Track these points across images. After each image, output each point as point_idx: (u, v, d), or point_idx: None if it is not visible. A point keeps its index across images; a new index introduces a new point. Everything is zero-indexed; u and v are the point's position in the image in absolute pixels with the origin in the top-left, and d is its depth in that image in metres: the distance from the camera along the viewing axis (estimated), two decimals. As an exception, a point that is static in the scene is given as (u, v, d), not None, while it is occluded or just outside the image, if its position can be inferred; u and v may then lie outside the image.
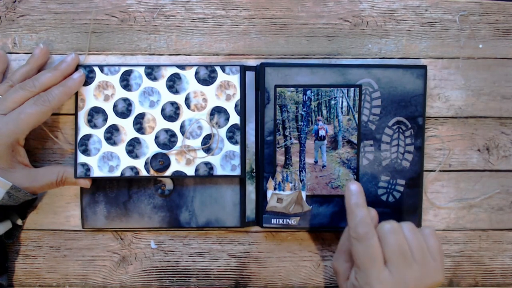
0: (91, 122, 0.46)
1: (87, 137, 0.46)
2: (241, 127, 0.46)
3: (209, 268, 0.50)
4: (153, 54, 0.49)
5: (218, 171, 0.46)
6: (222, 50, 0.49)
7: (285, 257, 0.50)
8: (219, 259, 0.50)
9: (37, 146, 0.48)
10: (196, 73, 0.46)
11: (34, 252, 0.49)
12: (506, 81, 0.50)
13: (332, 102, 0.47)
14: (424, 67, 0.48)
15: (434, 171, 0.49)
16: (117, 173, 0.46)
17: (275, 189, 0.47)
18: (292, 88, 0.47)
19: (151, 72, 0.46)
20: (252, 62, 0.49)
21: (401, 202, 0.48)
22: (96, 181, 0.47)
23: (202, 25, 0.49)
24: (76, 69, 0.46)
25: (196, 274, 0.50)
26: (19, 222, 0.46)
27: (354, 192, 0.41)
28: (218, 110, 0.46)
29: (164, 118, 0.46)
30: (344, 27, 0.49)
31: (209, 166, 0.46)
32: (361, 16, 0.49)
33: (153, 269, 0.49)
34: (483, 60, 0.50)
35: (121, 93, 0.46)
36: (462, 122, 0.50)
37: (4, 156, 0.42)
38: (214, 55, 0.49)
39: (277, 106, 0.47)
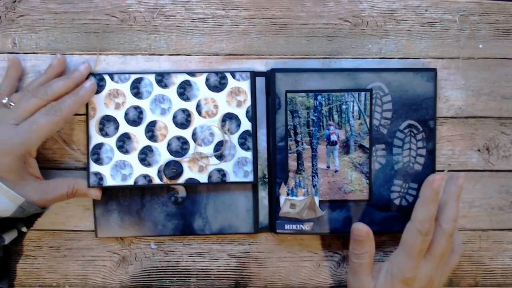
0: (102, 131, 0.46)
1: (99, 146, 0.46)
2: (253, 133, 0.46)
3: (209, 268, 0.50)
4: (153, 54, 0.49)
5: (231, 177, 0.46)
6: (222, 50, 0.49)
7: (285, 257, 0.50)
8: (219, 259, 0.50)
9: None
10: (207, 79, 0.46)
11: (34, 252, 0.49)
12: (506, 81, 0.50)
13: (343, 106, 0.47)
14: (434, 70, 0.47)
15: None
16: (130, 182, 0.46)
17: (288, 194, 0.47)
18: (303, 94, 0.47)
19: (162, 79, 0.46)
20: (253, 63, 0.49)
21: (413, 206, 0.48)
22: (109, 189, 0.47)
23: (202, 25, 0.49)
24: (87, 77, 0.46)
25: (196, 274, 0.50)
26: (24, 229, 0.46)
27: (435, 187, 0.41)
28: (229, 117, 0.46)
29: (176, 126, 0.46)
30: (344, 27, 0.49)
31: (222, 172, 0.46)
32: (361, 16, 0.49)
33: (153, 269, 0.49)
34: (483, 60, 0.50)
35: (132, 101, 0.46)
36: (462, 122, 0.50)
37: (15, 168, 0.41)
38: (214, 55, 0.49)
39: (288, 112, 0.47)
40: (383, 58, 0.49)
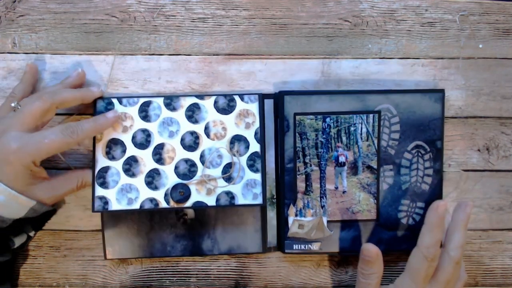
0: (109, 154, 0.46)
1: (105, 169, 0.45)
2: (262, 155, 0.46)
3: (209, 268, 0.50)
4: (153, 54, 0.49)
5: (240, 200, 0.46)
6: (222, 50, 0.49)
7: (285, 257, 0.50)
8: (219, 259, 0.50)
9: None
10: (215, 102, 0.46)
11: (34, 252, 0.49)
12: (506, 81, 0.50)
13: (352, 128, 0.47)
14: (442, 91, 0.48)
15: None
16: (136, 206, 0.45)
17: (296, 215, 0.47)
18: (311, 116, 0.47)
19: (170, 102, 0.46)
20: (254, 63, 0.49)
21: (421, 225, 0.48)
22: (118, 212, 0.47)
23: (202, 25, 0.49)
24: (95, 102, 0.46)
25: (196, 274, 0.50)
26: (32, 233, 0.46)
27: (441, 212, 0.41)
28: (238, 139, 0.46)
29: (184, 148, 0.46)
30: (344, 27, 0.49)
31: (230, 195, 0.46)
32: (361, 16, 0.49)
33: (153, 269, 0.49)
34: (483, 60, 0.50)
35: (140, 124, 0.46)
36: (462, 122, 0.50)
37: (21, 176, 0.41)
38: (214, 55, 0.49)
39: (297, 134, 0.47)
40: (383, 58, 0.49)
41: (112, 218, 0.47)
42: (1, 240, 0.43)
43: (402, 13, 0.50)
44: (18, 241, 0.44)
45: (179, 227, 0.48)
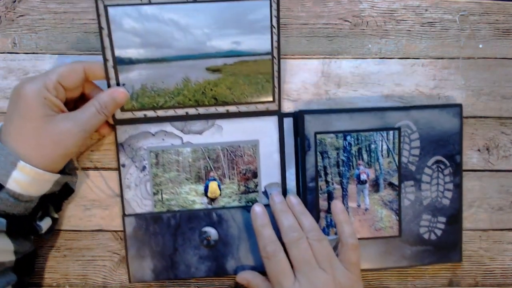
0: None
1: None
2: (282, 174, 0.48)
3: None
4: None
5: None
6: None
7: (285, 257, 0.50)
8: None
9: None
10: None
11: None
12: (506, 81, 0.50)
13: (372, 146, 0.47)
14: (459, 106, 0.48)
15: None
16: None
17: None
18: (332, 134, 0.47)
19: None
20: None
21: (442, 239, 0.49)
22: (141, 235, 0.47)
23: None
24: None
25: None
26: (55, 215, 0.46)
27: (258, 213, 0.44)
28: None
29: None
30: (344, 27, 0.49)
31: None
32: (361, 16, 0.49)
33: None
34: (483, 60, 0.50)
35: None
36: (462, 122, 0.50)
37: (37, 107, 0.39)
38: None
39: (318, 153, 0.47)
40: (383, 58, 0.49)
41: (136, 242, 0.47)
42: (29, 226, 0.42)
43: (402, 13, 0.50)
44: (45, 225, 0.44)
45: (203, 249, 0.48)
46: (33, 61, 0.48)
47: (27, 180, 0.39)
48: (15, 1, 0.48)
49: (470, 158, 0.50)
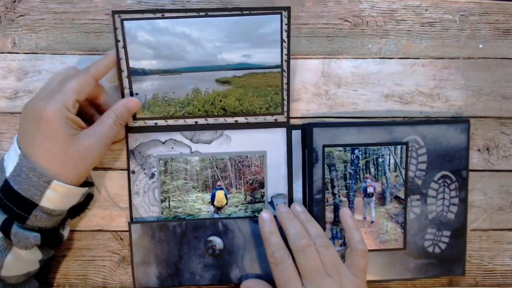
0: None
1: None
2: (289, 185, 0.48)
3: None
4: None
5: None
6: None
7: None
8: None
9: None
10: None
11: (34, 252, 0.49)
12: (506, 81, 0.50)
13: (380, 159, 0.48)
14: (467, 121, 0.48)
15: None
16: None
17: None
18: (340, 148, 0.47)
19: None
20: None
21: (446, 252, 0.49)
22: (147, 242, 0.48)
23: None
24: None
25: None
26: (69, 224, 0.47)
27: (267, 220, 0.44)
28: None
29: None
30: (344, 27, 0.49)
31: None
32: (361, 16, 0.49)
33: None
34: (483, 60, 0.50)
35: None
36: (462, 122, 0.50)
37: (60, 127, 0.40)
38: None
39: (326, 165, 0.47)
40: (383, 58, 0.49)
41: (141, 249, 0.47)
42: (56, 236, 0.44)
43: (402, 13, 0.49)
44: (66, 233, 0.46)
45: (208, 257, 0.48)
46: (33, 61, 0.48)
47: (59, 197, 0.40)
48: (15, 1, 0.48)
49: (470, 158, 0.50)
